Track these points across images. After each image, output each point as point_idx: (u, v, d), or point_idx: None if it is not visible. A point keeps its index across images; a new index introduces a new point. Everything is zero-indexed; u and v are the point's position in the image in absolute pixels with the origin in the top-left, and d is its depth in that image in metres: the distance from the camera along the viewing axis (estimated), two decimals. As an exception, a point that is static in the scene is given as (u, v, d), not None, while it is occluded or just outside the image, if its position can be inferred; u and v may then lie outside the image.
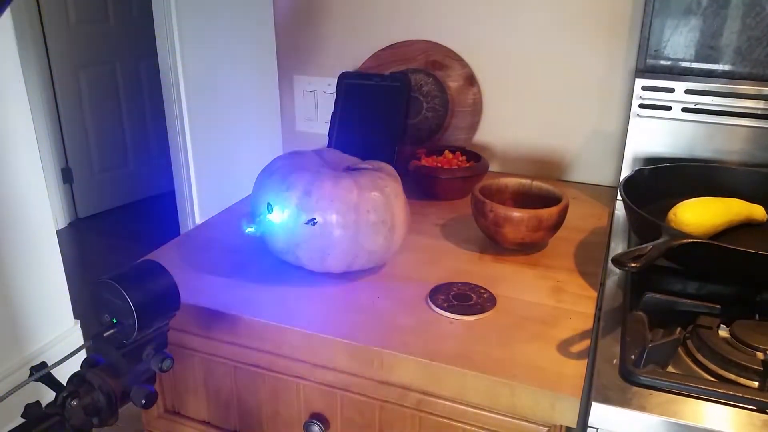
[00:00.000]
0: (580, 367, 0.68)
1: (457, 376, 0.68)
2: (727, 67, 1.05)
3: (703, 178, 1.01)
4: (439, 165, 1.14)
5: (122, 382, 0.64)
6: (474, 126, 1.28)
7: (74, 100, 3.18)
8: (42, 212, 1.85)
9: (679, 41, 1.06)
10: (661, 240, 0.76)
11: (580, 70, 1.18)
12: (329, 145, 1.26)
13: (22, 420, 0.59)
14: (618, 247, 0.97)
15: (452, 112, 1.27)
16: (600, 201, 1.15)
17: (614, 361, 0.68)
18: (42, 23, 2.97)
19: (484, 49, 1.24)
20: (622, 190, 0.91)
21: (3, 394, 0.57)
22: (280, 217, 0.79)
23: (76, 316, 2.05)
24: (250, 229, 0.81)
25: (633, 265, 0.71)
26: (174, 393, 0.92)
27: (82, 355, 0.66)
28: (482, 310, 0.78)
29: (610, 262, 0.78)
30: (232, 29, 2.30)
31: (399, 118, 1.21)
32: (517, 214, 0.88)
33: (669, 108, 1.08)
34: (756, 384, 0.65)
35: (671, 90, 1.07)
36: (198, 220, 2.64)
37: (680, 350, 0.71)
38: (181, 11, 2.36)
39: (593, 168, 1.23)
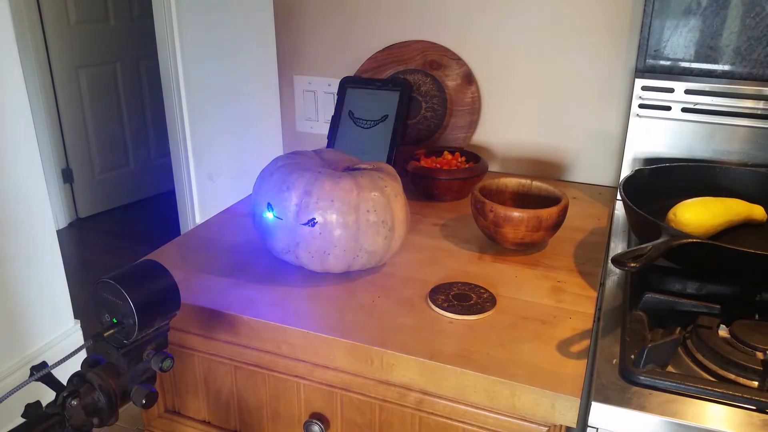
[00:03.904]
0: (580, 366, 0.68)
1: (457, 375, 0.68)
2: (726, 67, 1.05)
3: (702, 178, 1.01)
4: (438, 166, 1.14)
5: (122, 381, 0.65)
6: (473, 125, 1.28)
7: (74, 100, 3.18)
8: (42, 212, 1.85)
9: (678, 41, 1.06)
10: (660, 240, 0.76)
11: (579, 70, 1.18)
12: (329, 147, 1.26)
13: (23, 420, 0.59)
14: (618, 247, 0.97)
15: (451, 112, 1.27)
16: (600, 201, 1.15)
17: (614, 361, 0.68)
18: (42, 23, 2.97)
19: (482, 48, 1.24)
20: (621, 190, 0.91)
21: (3, 394, 0.57)
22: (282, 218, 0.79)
23: (76, 316, 2.05)
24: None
25: (633, 265, 0.71)
26: (174, 393, 0.92)
27: (83, 355, 0.66)
28: (482, 310, 0.78)
29: (609, 262, 0.78)
30: (232, 29, 2.30)
31: (399, 123, 1.21)
32: (517, 214, 0.88)
33: (669, 108, 1.08)
34: (756, 384, 0.65)
35: (671, 90, 1.07)
36: (198, 220, 2.65)
37: (680, 350, 0.71)
38: (181, 11, 2.36)
39: (593, 168, 1.23)
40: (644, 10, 1.07)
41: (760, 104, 1.02)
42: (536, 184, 0.99)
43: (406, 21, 1.28)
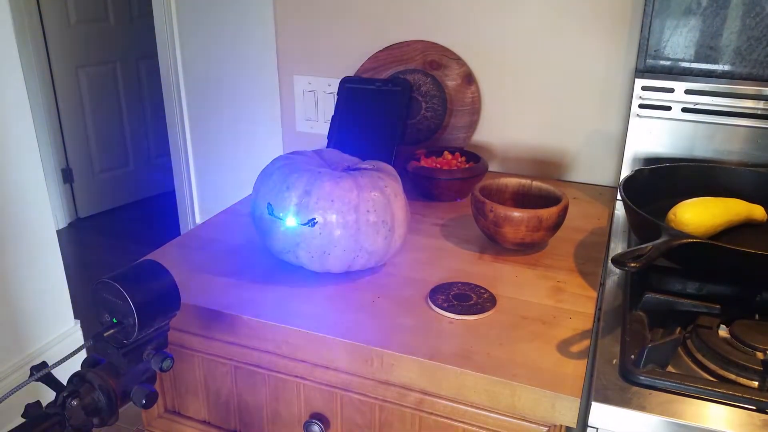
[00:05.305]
0: (580, 367, 0.68)
1: (457, 376, 0.68)
2: (726, 68, 1.05)
3: (702, 178, 1.01)
4: (438, 166, 1.14)
5: (122, 381, 0.65)
6: (473, 125, 1.28)
7: (74, 100, 3.18)
8: (42, 212, 1.85)
9: (678, 41, 1.06)
10: (660, 240, 0.76)
11: (579, 70, 1.18)
12: (329, 147, 1.26)
13: (23, 420, 0.59)
14: (618, 247, 0.97)
15: (451, 112, 1.27)
16: (600, 201, 1.15)
17: (614, 361, 0.68)
18: (42, 23, 2.97)
19: (482, 48, 1.24)
20: (621, 190, 0.91)
21: (3, 394, 0.57)
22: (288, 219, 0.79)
23: (76, 316, 2.05)
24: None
25: (633, 265, 0.71)
26: (174, 393, 0.92)
27: (83, 355, 0.66)
28: (482, 310, 0.78)
29: (610, 262, 0.78)
30: (232, 29, 2.30)
31: (399, 123, 1.21)
32: (517, 214, 0.88)
33: (669, 108, 1.08)
34: (756, 384, 0.65)
35: (671, 90, 1.07)
36: (198, 220, 2.65)
37: (680, 350, 0.71)
38: (181, 11, 2.36)
39: (593, 168, 1.23)
40: (644, 10, 1.07)
41: (760, 104, 1.02)
42: (536, 184, 0.99)
43: (407, 21, 1.28)
